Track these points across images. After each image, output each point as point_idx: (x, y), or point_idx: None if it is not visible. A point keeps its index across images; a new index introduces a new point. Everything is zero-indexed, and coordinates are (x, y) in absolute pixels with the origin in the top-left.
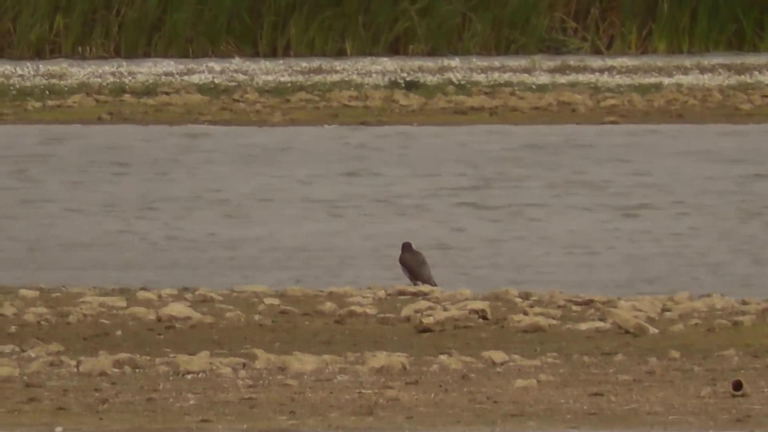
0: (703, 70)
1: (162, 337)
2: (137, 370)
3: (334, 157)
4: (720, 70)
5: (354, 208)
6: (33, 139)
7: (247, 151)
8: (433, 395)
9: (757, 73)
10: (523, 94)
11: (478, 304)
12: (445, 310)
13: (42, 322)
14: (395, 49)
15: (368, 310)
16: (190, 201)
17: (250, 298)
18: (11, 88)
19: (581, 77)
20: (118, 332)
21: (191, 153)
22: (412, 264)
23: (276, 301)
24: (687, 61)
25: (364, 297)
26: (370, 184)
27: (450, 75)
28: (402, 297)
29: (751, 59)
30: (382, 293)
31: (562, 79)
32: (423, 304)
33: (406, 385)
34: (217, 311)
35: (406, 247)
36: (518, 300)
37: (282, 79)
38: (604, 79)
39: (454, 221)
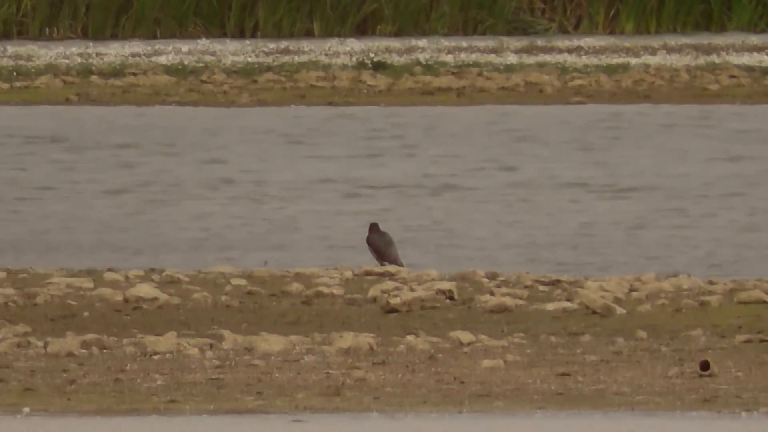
0: (670, 50)
1: (129, 317)
2: (104, 351)
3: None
4: (687, 50)
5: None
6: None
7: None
8: (400, 376)
9: (724, 53)
10: (491, 75)
11: (445, 285)
12: (412, 290)
13: (9, 303)
14: (363, 30)
15: (335, 291)
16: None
17: (217, 278)
18: None
19: (549, 58)
20: (86, 313)
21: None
22: (379, 244)
23: (243, 282)
24: (654, 42)
25: (331, 278)
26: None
27: (417, 55)
28: (369, 277)
29: (718, 40)
30: (349, 274)
31: (529, 60)
32: (390, 284)
33: (374, 365)
34: (184, 292)
35: (373, 228)
36: (485, 280)
37: (249, 60)
38: (572, 59)
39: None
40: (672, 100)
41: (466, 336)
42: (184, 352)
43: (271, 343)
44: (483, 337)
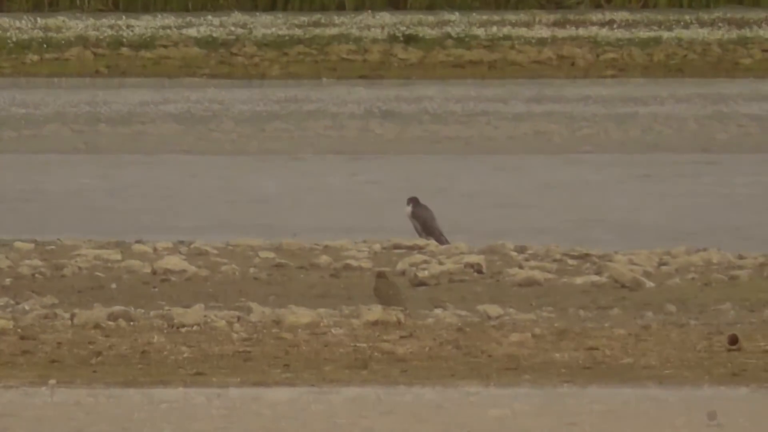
0: (703, 24)
1: (157, 290)
2: (132, 323)
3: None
4: (720, 24)
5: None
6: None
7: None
8: (427, 349)
9: (756, 27)
10: (523, 48)
11: (474, 258)
12: (441, 263)
13: (36, 275)
14: (395, 3)
15: (363, 264)
16: None
17: (246, 251)
18: (9, 41)
19: (581, 31)
20: (113, 285)
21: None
22: (426, 218)
23: (271, 255)
24: (687, 15)
25: (359, 251)
26: None
27: (449, 29)
28: (397, 251)
29: (751, 14)
30: (377, 247)
31: (561, 33)
32: (418, 257)
33: (401, 338)
34: (213, 264)
35: (415, 202)
36: (514, 254)
37: (280, 32)
38: (604, 33)
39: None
40: (704, 74)
41: (494, 309)
42: (211, 324)
43: (299, 315)
44: (511, 310)
